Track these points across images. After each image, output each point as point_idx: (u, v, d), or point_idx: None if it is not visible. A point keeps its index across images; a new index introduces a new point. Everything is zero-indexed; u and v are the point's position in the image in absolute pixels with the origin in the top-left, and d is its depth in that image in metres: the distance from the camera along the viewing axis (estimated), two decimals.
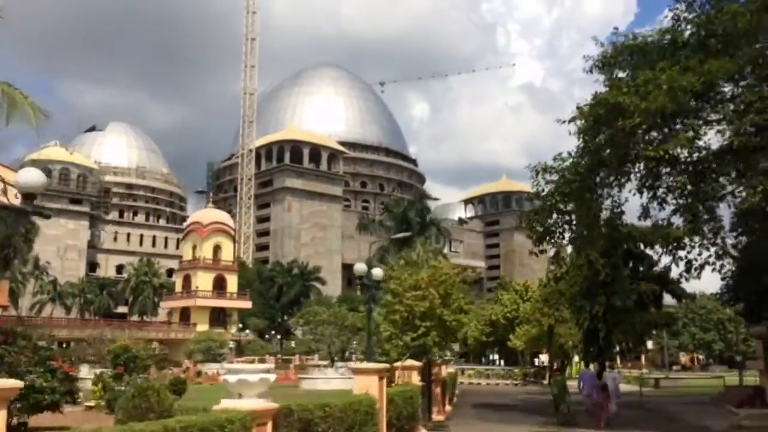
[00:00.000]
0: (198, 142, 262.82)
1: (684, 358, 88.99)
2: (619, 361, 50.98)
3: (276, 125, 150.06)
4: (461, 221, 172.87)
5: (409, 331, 19.16)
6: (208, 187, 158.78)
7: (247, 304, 71.99)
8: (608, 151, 17.71)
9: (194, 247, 71.00)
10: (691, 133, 15.72)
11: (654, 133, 16.84)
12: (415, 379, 15.59)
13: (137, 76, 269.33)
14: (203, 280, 67.92)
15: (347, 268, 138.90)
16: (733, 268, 25.68)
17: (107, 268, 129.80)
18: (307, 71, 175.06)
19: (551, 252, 22.74)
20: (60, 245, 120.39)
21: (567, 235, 21.27)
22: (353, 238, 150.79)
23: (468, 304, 21.64)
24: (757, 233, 21.87)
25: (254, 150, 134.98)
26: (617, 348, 31.25)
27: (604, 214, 20.53)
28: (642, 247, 31.03)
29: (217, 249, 70.48)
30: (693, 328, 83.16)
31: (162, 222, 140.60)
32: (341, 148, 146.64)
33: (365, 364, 12.80)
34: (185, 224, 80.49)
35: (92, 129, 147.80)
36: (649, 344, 75.65)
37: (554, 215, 20.06)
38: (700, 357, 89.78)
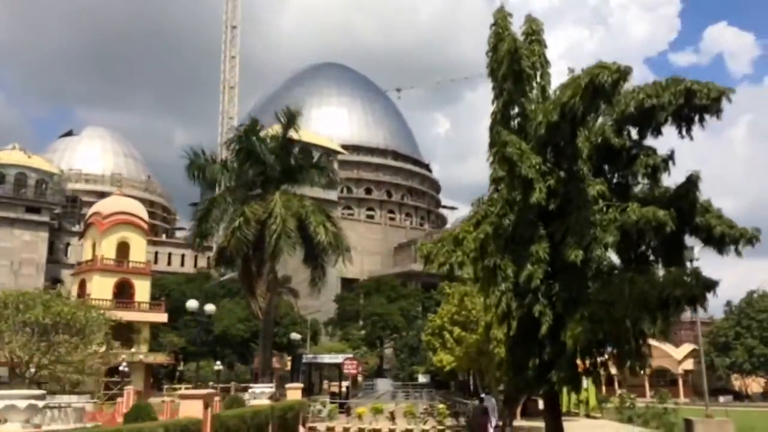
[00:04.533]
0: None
1: (738, 381, 68.14)
2: (617, 385, 32.88)
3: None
4: None
5: None
6: (202, 198, 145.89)
7: (160, 318, 56.50)
8: None
9: (93, 245, 56.22)
10: None
11: None
12: None
13: (161, 99, 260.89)
14: (100, 286, 52.81)
15: (347, 282, 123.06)
16: None
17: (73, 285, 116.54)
18: (308, 71, 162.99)
19: None
20: (14, 259, 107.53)
21: None
22: (356, 249, 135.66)
23: None
24: None
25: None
26: (584, 360, 14.17)
27: None
28: (633, 134, 14.52)
29: (123, 247, 55.59)
30: (750, 340, 62.44)
31: None
32: (337, 147, 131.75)
33: None
34: (86, 217, 65.83)
35: (69, 133, 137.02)
36: (688, 362, 56.50)
37: None
38: (763, 380, 68.64)
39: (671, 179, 14.34)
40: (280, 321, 50.32)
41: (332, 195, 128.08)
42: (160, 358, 55.11)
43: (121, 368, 42.95)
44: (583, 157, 13.71)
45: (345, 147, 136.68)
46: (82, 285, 56.26)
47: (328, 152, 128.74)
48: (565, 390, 17.57)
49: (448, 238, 14.31)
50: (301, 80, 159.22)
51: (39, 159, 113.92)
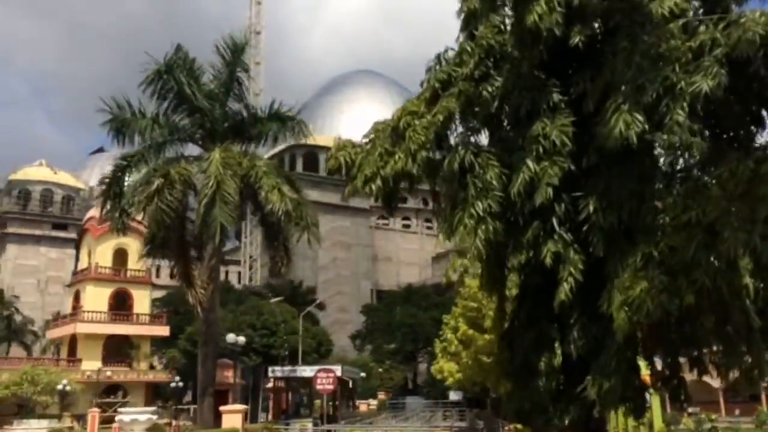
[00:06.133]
0: None
1: None
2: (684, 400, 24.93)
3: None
4: None
5: None
6: None
7: (162, 331, 50.96)
8: None
9: (89, 254, 51.37)
10: None
11: None
12: None
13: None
14: (94, 297, 47.73)
15: (382, 295, 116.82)
16: None
17: None
18: (339, 79, 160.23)
19: None
20: (40, 277, 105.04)
21: None
22: (391, 260, 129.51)
23: None
24: None
25: None
26: (650, 355, 7.44)
27: None
28: None
29: (120, 254, 50.57)
30: None
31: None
32: None
33: None
34: (82, 223, 61.17)
35: (100, 150, 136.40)
36: None
37: None
38: None
39: None
40: (276, 330, 44.33)
41: (365, 204, 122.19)
42: (161, 376, 49.68)
43: (60, 387, 37.49)
44: None
45: None
46: (77, 296, 51.39)
47: None
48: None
49: (383, 132, 7.91)
50: (331, 89, 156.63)
51: (65, 175, 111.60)
